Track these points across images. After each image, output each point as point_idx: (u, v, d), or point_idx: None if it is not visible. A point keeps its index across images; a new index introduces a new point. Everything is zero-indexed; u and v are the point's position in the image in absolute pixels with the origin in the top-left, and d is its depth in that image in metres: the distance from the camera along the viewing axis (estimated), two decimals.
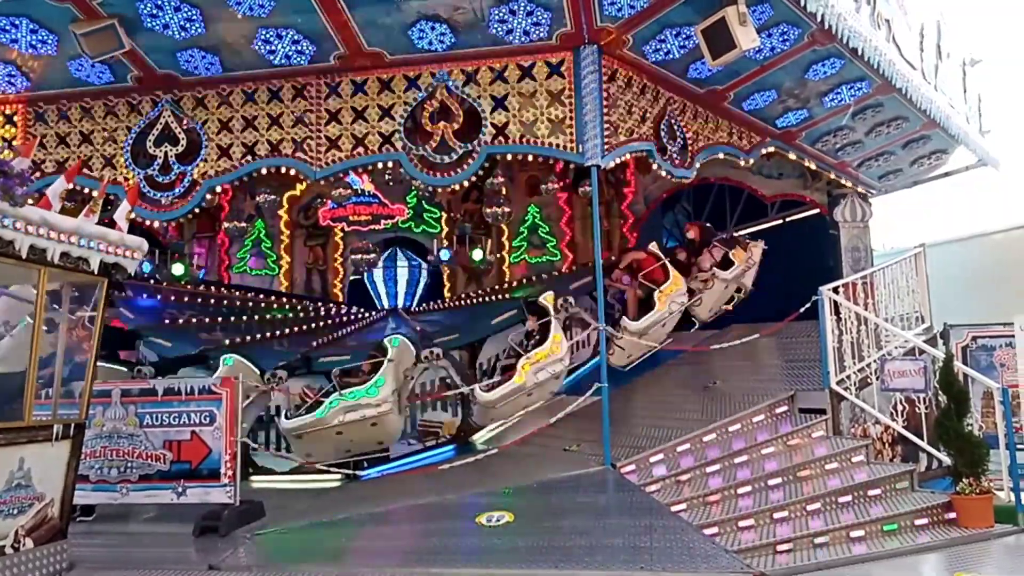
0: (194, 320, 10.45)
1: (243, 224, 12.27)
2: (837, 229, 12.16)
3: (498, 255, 13.56)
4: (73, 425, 5.56)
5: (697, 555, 5.31)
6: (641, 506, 6.56)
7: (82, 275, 5.44)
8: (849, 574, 5.98)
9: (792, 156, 10.87)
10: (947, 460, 7.37)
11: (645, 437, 8.18)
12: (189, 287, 11.66)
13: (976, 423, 8.54)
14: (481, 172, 8.47)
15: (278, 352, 9.60)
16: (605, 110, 7.92)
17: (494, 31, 7.63)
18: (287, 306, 11.55)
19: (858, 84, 9.19)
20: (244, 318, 10.76)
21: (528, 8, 7.36)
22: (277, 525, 6.73)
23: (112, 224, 5.74)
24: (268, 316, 11.02)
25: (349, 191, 10.43)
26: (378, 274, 12.99)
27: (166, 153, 8.50)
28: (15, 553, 5.06)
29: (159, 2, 7.20)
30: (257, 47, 7.86)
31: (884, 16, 8.73)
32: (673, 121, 8.87)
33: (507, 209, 11.95)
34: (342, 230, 13.15)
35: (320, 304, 11.96)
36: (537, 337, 9.03)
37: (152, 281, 11.34)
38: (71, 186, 6.29)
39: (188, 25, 7.48)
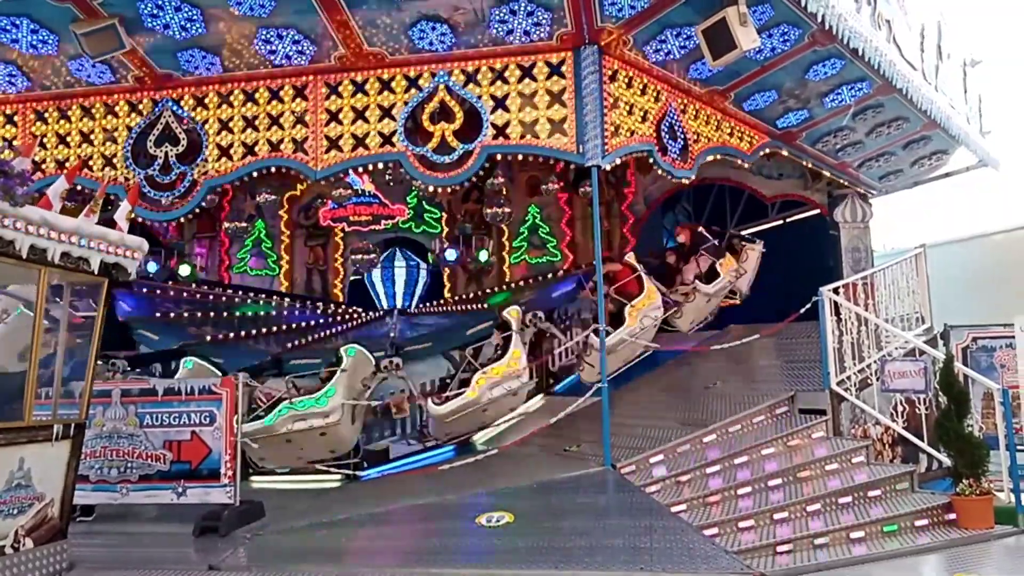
0: (185, 315, 10.26)
1: (243, 224, 12.27)
2: (837, 229, 12.16)
3: (497, 256, 13.56)
4: (73, 425, 5.55)
5: (697, 556, 5.30)
6: (641, 507, 6.55)
7: (82, 275, 5.44)
8: (849, 575, 5.98)
9: (786, 153, 10.84)
10: (947, 461, 7.37)
11: (645, 438, 8.17)
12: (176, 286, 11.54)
13: (976, 424, 8.54)
14: (481, 172, 8.47)
15: (250, 352, 9.39)
16: (605, 110, 7.91)
17: (494, 31, 7.63)
18: (265, 303, 11.20)
19: (859, 85, 9.19)
20: (225, 314, 10.53)
21: (528, 8, 7.36)
22: (277, 525, 6.73)
23: (112, 224, 5.73)
24: (249, 313, 10.74)
25: (349, 191, 10.42)
26: (377, 274, 12.97)
27: (166, 153, 8.50)
28: (15, 553, 5.06)
29: (160, 2, 7.21)
30: (258, 47, 7.87)
31: (885, 16, 8.73)
32: (674, 121, 8.87)
33: (507, 209, 11.95)
34: (342, 230, 13.14)
35: (301, 303, 11.64)
36: (499, 352, 8.80)
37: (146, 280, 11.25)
38: (71, 186, 6.28)
39: (189, 25, 7.49)
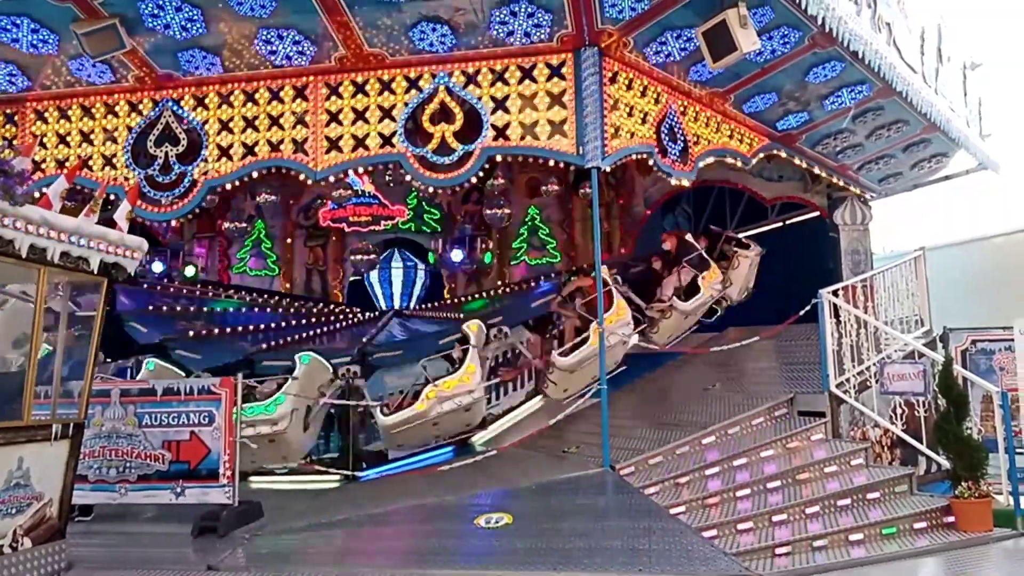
0: (178, 308, 10.21)
1: (243, 224, 12.27)
2: (837, 232, 12.16)
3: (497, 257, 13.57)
4: (72, 425, 5.55)
5: (696, 558, 5.30)
6: (640, 508, 6.55)
7: (82, 275, 5.43)
8: None
9: (783, 153, 10.82)
10: (946, 464, 7.37)
11: (644, 439, 8.17)
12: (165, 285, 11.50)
13: (975, 427, 8.53)
14: (481, 173, 8.47)
15: (231, 350, 9.25)
16: (606, 112, 7.91)
17: (495, 32, 7.63)
18: (239, 299, 11.07)
19: (859, 87, 9.19)
20: (205, 309, 10.46)
21: (529, 10, 7.36)
22: (276, 526, 6.72)
23: (112, 224, 5.73)
24: (231, 309, 10.66)
25: (349, 192, 10.43)
26: (375, 275, 12.96)
27: (166, 153, 8.50)
28: (13, 553, 5.05)
29: (160, 2, 7.21)
30: (258, 47, 7.87)
31: (885, 19, 8.74)
32: (674, 123, 8.87)
33: (507, 211, 11.94)
34: (342, 231, 13.14)
35: (280, 300, 11.60)
36: (457, 365, 8.56)
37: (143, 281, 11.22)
38: (71, 186, 6.28)
39: (189, 25, 7.49)
